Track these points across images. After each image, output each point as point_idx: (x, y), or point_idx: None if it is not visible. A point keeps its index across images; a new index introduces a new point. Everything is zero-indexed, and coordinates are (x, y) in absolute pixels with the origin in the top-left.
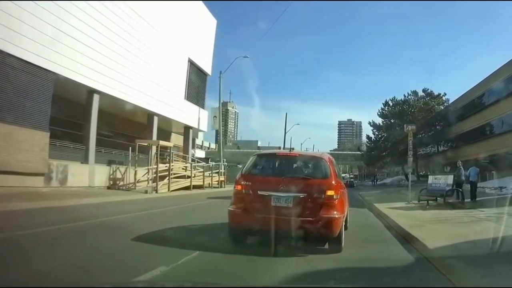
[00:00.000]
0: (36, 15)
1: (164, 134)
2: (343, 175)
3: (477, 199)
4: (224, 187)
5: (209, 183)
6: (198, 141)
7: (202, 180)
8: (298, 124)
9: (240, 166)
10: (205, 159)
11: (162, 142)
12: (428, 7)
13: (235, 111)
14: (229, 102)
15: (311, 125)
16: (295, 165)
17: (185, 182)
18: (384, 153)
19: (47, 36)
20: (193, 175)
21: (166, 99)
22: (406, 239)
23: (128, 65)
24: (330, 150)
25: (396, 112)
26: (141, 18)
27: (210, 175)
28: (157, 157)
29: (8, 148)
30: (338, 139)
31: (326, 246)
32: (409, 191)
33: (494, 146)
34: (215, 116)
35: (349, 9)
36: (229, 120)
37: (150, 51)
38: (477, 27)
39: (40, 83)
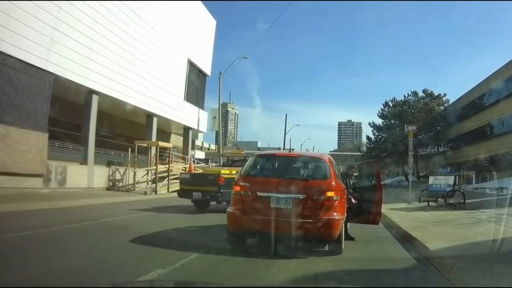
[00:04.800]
0: (35, 16)
1: (164, 135)
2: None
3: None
4: None
5: None
6: (198, 142)
7: None
8: (298, 125)
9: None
10: (205, 160)
11: (161, 143)
12: (429, 8)
13: (235, 112)
14: (229, 103)
15: (311, 126)
16: (294, 166)
17: None
18: (384, 154)
19: (46, 37)
20: None
21: (166, 100)
22: (406, 239)
23: (127, 65)
24: (330, 151)
25: (396, 113)
26: (140, 19)
27: None
28: (156, 158)
29: (6, 149)
30: (338, 140)
31: (326, 247)
32: (410, 192)
33: (494, 147)
34: (214, 117)
35: (349, 10)
36: (229, 121)
37: (149, 52)
38: (477, 28)
39: (39, 84)
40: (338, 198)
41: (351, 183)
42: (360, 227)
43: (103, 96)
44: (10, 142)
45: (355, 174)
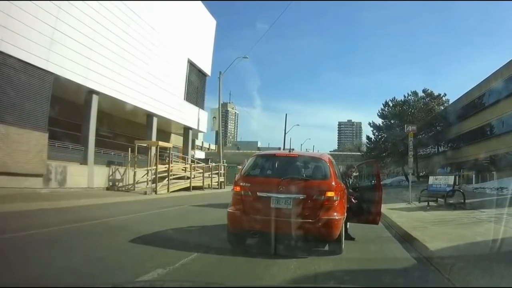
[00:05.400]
0: (35, 16)
1: (164, 135)
2: None
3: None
4: (224, 188)
5: (208, 184)
6: (198, 142)
7: (201, 181)
8: (298, 125)
9: (240, 166)
10: (205, 160)
11: (161, 143)
12: (429, 8)
13: (235, 112)
14: (229, 103)
15: (311, 126)
16: (294, 166)
17: (185, 183)
18: (384, 154)
19: (46, 37)
20: (192, 176)
21: (166, 99)
22: (406, 239)
23: (127, 65)
24: (330, 151)
25: (396, 113)
26: (140, 19)
27: (210, 176)
28: (156, 158)
29: (6, 149)
30: (338, 140)
31: (326, 247)
32: (410, 192)
33: (494, 147)
34: (214, 117)
35: (349, 10)
36: (229, 121)
37: (149, 52)
38: (477, 28)
39: (39, 84)
40: (338, 198)
41: (351, 183)
42: (360, 227)
43: (103, 96)
44: (10, 142)
45: (354, 174)
